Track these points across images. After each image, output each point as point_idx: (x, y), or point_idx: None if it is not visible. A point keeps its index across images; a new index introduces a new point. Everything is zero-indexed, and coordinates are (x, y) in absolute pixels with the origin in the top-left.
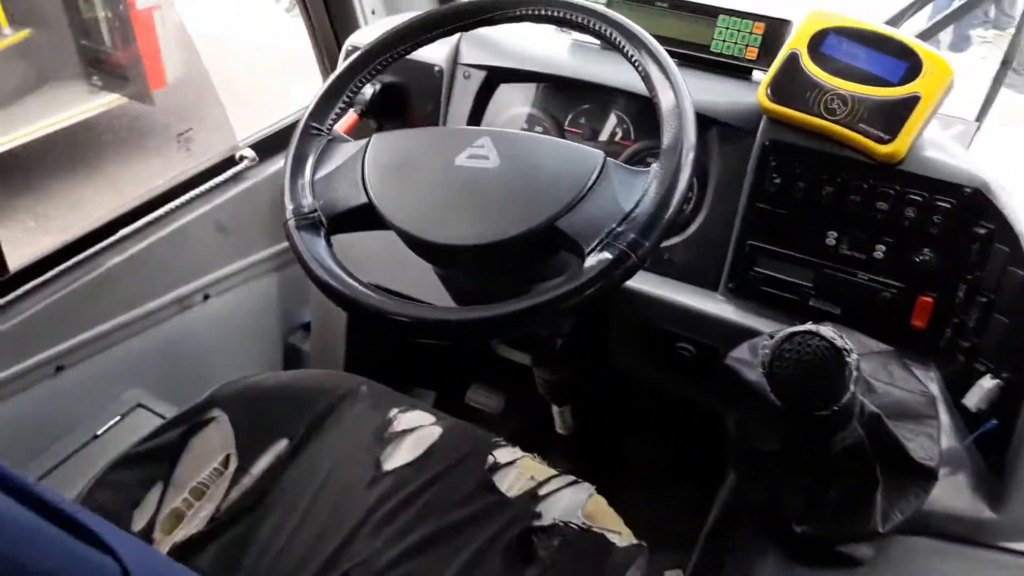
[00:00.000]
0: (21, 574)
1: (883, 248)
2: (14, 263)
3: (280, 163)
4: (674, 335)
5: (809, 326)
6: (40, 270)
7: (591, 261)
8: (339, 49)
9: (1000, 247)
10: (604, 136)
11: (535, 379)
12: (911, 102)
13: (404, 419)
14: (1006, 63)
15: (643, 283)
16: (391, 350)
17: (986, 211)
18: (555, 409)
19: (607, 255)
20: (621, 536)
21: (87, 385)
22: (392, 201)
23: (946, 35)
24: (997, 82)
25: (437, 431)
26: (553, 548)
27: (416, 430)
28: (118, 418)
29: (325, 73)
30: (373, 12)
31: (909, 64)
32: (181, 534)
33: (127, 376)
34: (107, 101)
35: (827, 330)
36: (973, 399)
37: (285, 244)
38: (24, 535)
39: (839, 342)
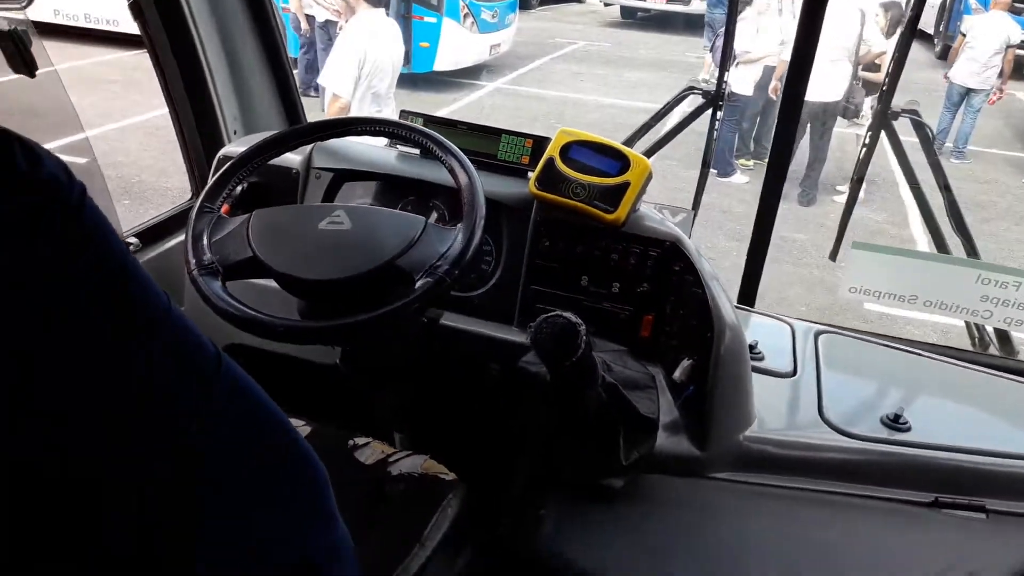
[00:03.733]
0: None
1: (618, 285)
2: None
3: (159, 249)
4: (486, 357)
5: (556, 312)
6: None
7: (419, 283)
8: (206, 159)
9: (687, 277)
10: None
11: (378, 411)
12: (624, 187)
13: None
14: (705, 164)
15: (463, 323)
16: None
17: (679, 256)
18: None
19: (430, 279)
20: (447, 476)
21: None
22: (272, 254)
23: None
24: (702, 179)
25: (308, 429)
26: (399, 489)
27: None
28: None
29: (192, 175)
30: (235, 132)
31: (621, 163)
32: None
33: None
34: None
35: (568, 313)
36: (678, 374)
37: None
38: None
39: (573, 318)
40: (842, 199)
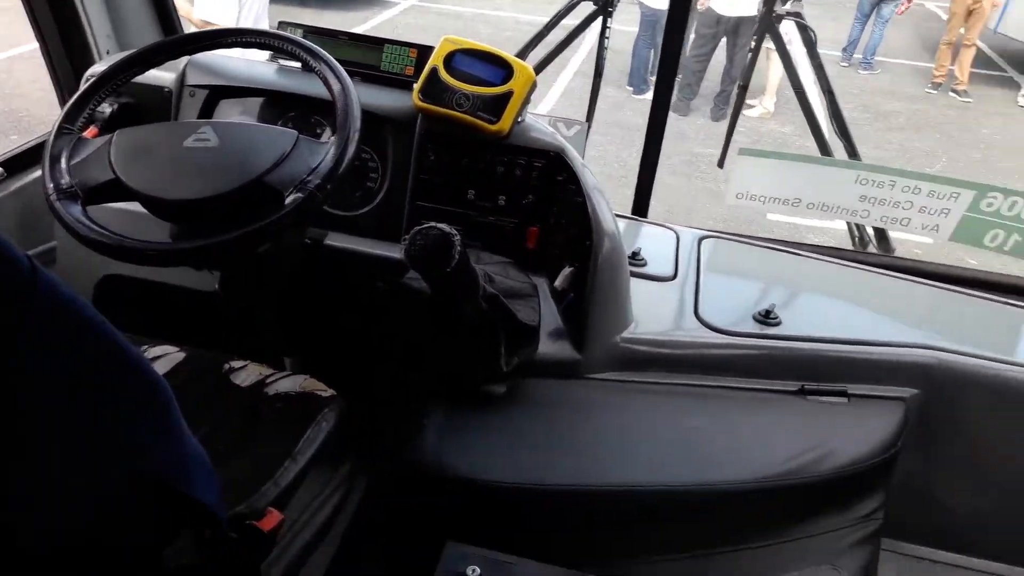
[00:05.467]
0: None
1: (504, 198)
2: None
3: (28, 178)
4: (372, 276)
5: (431, 223)
6: None
7: (289, 199)
8: (76, 80)
9: (570, 187)
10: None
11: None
12: (507, 96)
13: (152, 351)
14: (598, 74)
15: (348, 243)
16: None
17: (563, 166)
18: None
19: (300, 195)
20: (325, 392)
21: None
22: (134, 174)
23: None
24: (594, 91)
25: (181, 355)
26: (275, 408)
27: (164, 356)
28: None
29: (62, 99)
30: (108, 51)
31: (505, 71)
32: None
33: None
34: None
35: (442, 224)
36: (559, 281)
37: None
38: None
39: (447, 228)
40: (753, 113)
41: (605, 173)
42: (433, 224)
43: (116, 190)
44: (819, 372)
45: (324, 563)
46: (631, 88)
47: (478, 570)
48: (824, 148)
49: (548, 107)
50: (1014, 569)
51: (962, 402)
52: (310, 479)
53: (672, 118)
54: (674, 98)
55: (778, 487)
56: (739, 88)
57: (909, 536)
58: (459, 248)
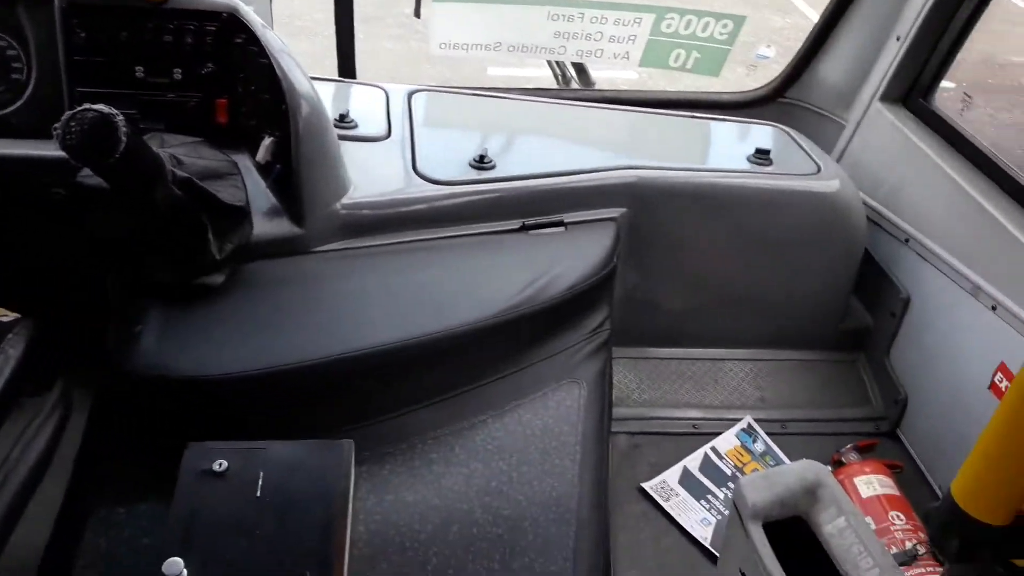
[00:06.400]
0: None
1: (180, 71)
2: None
3: None
4: (44, 181)
5: (86, 105)
6: None
7: None
8: None
9: (252, 48)
10: None
11: None
12: None
13: None
14: None
15: (5, 148)
16: None
17: (239, 27)
18: None
19: None
20: (7, 317)
21: None
22: None
23: None
24: None
25: None
26: None
27: None
28: None
29: None
30: None
31: None
32: None
33: None
34: None
35: (98, 105)
36: (260, 154)
37: None
38: None
39: (106, 109)
40: None
41: (325, 46)
42: (88, 106)
43: None
44: (536, 207)
45: (58, 492)
46: None
47: (225, 463)
48: None
49: None
50: (731, 351)
51: (663, 212)
52: (16, 411)
53: None
54: None
55: (514, 318)
56: None
57: (638, 340)
58: (124, 129)
